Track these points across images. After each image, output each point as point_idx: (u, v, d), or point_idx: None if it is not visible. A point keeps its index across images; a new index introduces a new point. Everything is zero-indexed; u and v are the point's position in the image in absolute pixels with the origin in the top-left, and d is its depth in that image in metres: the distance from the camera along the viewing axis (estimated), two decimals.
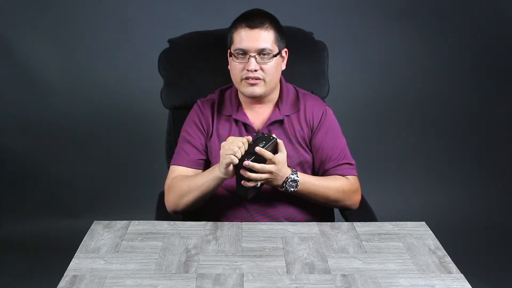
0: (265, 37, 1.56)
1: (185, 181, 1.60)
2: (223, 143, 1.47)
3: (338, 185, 1.63)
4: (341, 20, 2.94)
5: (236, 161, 1.43)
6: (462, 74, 3.11)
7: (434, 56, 3.06)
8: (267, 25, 1.57)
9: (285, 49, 1.65)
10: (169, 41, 1.91)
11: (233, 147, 1.44)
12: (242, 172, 1.44)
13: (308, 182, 1.56)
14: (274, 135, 1.49)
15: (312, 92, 1.79)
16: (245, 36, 1.56)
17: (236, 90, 1.70)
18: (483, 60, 3.09)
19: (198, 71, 1.87)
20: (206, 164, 1.69)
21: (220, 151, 1.47)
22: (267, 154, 1.44)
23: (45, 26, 2.85)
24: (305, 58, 1.89)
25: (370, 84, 3.06)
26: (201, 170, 1.67)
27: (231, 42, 1.61)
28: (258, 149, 1.43)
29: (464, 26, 3.02)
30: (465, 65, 3.09)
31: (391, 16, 2.96)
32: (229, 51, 1.63)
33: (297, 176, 1.54)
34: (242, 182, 1.46)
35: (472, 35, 3.04)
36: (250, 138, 1.48)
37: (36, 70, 2.90)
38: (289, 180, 1.53)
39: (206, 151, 1.68)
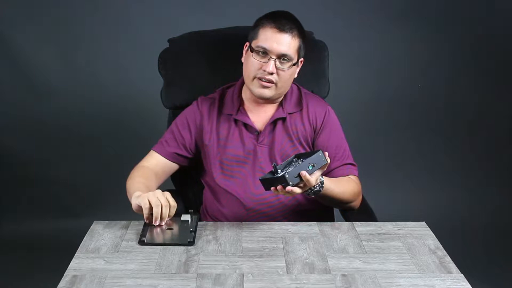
0: (290, 43, 1.54)
1: (131, 181, 1.58)
2: (150, 195, 1.40)
3: (351, 188, 1.62)
4: (341, 20, 2.94)
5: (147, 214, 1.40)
6: (462, 74, 3.11)
7: (434, 56, 3.06)
8: (295, 32, 1.55)
9: (302, 59, 1.63)
10: (169, 41, 1.90)
11: (155, 207, 1.39)
12: (279, 188, 1.37)
13: (328, 189, 1.51)
14: (327, 158, 1.39)
15: (312, 92, 1.79)
16: (271, 36, 1.54)
17: (238, 90, 1.69)
18: (483, 60, 3.09)
19: (198, 71, 1.87)
20: (188, 160, 1.71)
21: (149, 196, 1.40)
22: (311, 182, 1.37)
23: (45, 26, 2.85)
24: (305, 58, 1.88)
25: (370, 84, 3.06)
26: (175, 164, 1.70)
27: (254, 37, 1.57)
28: (303, 174, 1.35)
29: (464, 26, 3.02)
30: (465, 65, 3.09)
31: (391, 16, 2.96)
32: (248, 44, 1.60)
33: (321, 188, 1.48)
34: (272, 189, 1.39)
35: (472, 35, 3.04)
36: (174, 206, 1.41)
37: (36, 70, 2.90)
38: (314, 189, 1.47)
39: (186, 148, 1.69)
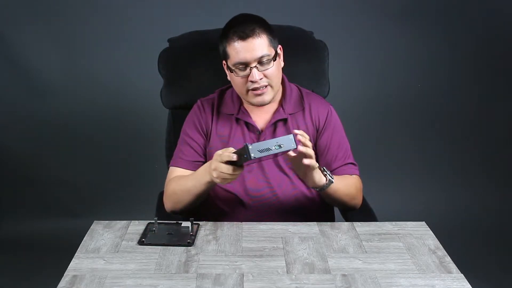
0: (260, 44, 1.53)
1: (177, 185, 1.59)
2: (217, 160, 1.39)
3: (355, 185, 1.63)
4: (341, 20, 2.94)
5: (230, 180, 1.41)
6: (462, 74, 3.11)
7: (434, 56, 3.06)
8: (257, 31, 1.53)
9: (279, 46, 1.62)
10: (169, 40, 1.90)
11: (227, 174, 1.38)
12: (301, 148, 1.35)
13: (336, 183, 1.52)
14: (296, 144, 1.36)
15: (312, 92, 1.79)
16: (240, 49, 1.52)
17: None
18: (483, 60, 3.09)
19: (198, 70, 1.87)
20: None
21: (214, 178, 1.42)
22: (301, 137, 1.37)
23: (45, 26, 2.85)
24: (305, 57, 1.88)
25: (370, 84, 3.06)
26: None
27: (226, 56, 1.58)
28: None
29: (464, 26, 3.02)
30: (465, 65, 3.09)
31: (391, 16, 2.96)
32: (225, 63, 1.61)
33: (332, 178, 1.50)
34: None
35: (472, 35, 3.04)
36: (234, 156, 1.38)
37: (36, 70, 2.90)
38: (324, 168, 1.49)
39: (205, 153, 1.68)
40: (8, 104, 2.94)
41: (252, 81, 1.54)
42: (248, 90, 1.57)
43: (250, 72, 1.53)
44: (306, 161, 1.38)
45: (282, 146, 1.32)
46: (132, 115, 2.95)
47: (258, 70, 1.53)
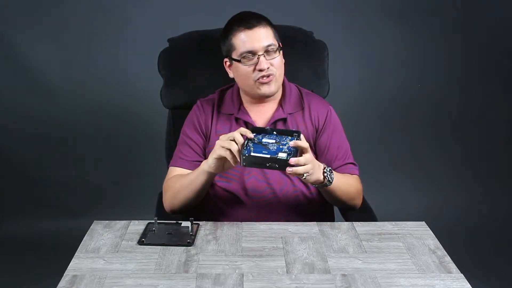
0: (266, 34, 1.56)
1: (177, 181, 1.60)
2: (221, 136, 1.43)
3: (355, 184, 1.64)
4: (341, 20, 2.94)
5: (229, 156, 1.40)
6: (462, 74, 3.11)
7: (434, 56, 3.06)
8: (263, 22, 1.58)
9: (280, 44, 1.64)
10: (169, 40, 1.91)
11: (229, 142, 1.39)
12: (289, 170, 1.34)
13: (336, 179, 1.53)
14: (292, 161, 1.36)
15: (312, 92, 1.79)
16: (247, 38, 1.55)
17: (238, 89, 1.69)
18: (483, 60, 3.09)
19: (198, 70, 1.87)
20: None
21: (216, 141, 1.43)
22: (304, 143, 1.38)
23: (45, 26, 2.85)
24: (305, 57, 1.88)
25: (370, 84, 3.06)
26: None
27: (231, 48, 1.59)
28: (293, 143, 1.37)
29: (464, 25, 3.02)
30: (465, 65, 3.09)
31: (391, 16, 2.96)
32: (226, 61, 1.63)
33: (332, 173, 1.51)
34: (288, 170, 1.35)
35: (472, 35, 3.04)
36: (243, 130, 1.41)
37: (36, 70, 2.90)
38: (327, 169, 1.50)
39: (204, 153, 1.68)
40: (8, 104, 2.94)
41: (260, 70, 1.55)
42: (255, 81, 1.58)
43: (258, 61, 1.55)
44: (289, 170, 1.35)
45: (277, 166, 1.35)
46: (132, 115, 2.95)
47: (266, 59, 1.55)
